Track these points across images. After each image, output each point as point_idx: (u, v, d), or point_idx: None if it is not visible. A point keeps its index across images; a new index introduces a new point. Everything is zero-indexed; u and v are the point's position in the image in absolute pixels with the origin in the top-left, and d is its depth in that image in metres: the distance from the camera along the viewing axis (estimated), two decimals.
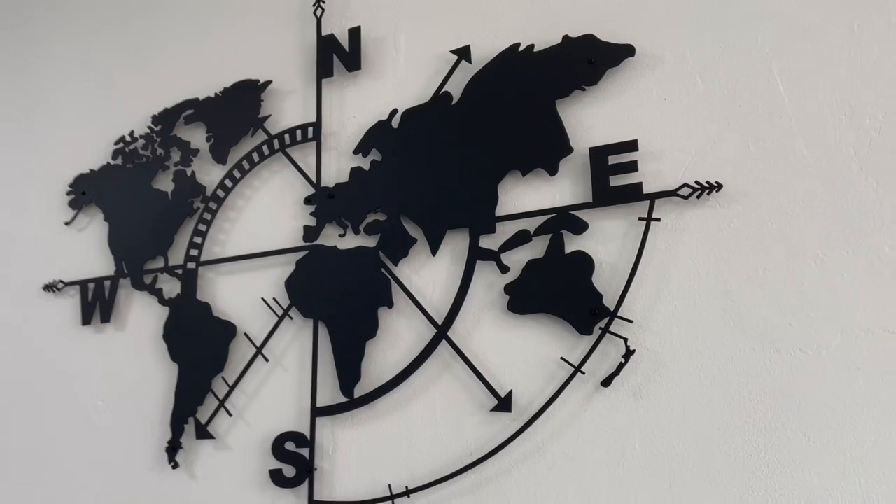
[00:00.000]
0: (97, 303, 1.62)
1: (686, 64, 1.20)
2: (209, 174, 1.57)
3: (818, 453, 1.03)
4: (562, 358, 1.18)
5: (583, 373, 1.16)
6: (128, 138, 1.67)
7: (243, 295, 1.47)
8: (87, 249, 1.67)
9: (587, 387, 1.16)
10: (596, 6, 1.28)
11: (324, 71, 1.48)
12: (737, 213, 1.12)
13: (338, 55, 1.47)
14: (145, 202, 1.61)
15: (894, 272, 1.03)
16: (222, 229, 1.53)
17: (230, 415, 1.43)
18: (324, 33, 1.49)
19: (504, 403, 1.20)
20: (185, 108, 1.62)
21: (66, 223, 1.71)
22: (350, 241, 1.38)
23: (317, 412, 1.34)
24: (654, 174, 1.18)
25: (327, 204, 1.41)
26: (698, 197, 1.14)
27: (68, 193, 1.72)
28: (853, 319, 1.04)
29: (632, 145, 1.19)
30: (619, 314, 1.15)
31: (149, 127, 1.65)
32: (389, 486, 1.25)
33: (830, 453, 1.02)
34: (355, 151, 1.41)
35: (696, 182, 1.14)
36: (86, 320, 1.62)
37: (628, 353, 1.13)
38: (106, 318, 1.60)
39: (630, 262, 1.16)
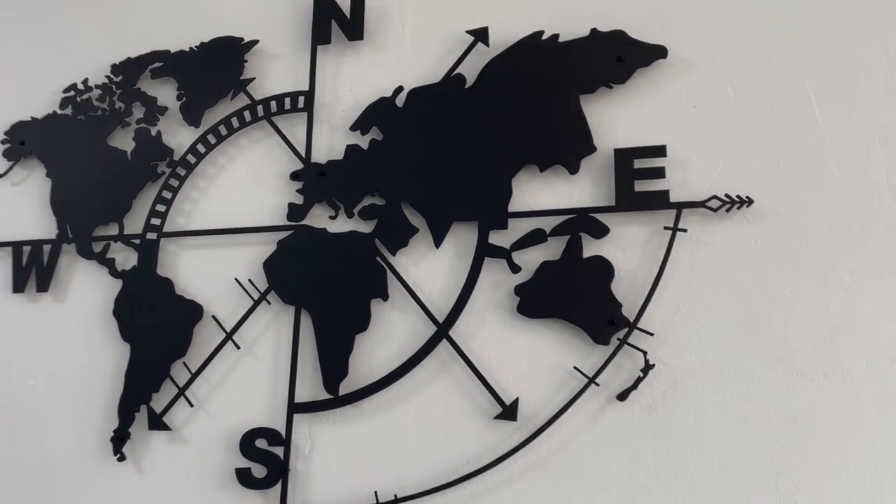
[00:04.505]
0: (32, 268, 1.43)
1: (718, 72, 1.17)
2: (176, 136, 1.41)
3: (837, 481, 1.01)
4: (575, 367, 1.12)
5: (597, 384, 1.11)
6: (81, 87, 1.49)
7: (212, 273, 1.33)
8: (24, 207, 1.48)
9: (599, 399, 1.11)
10: (625, 2, 1.22)
11: (320, 37, 1.36)
12: (764, 231, 1.10)
13: (337, 21, 1.35)
14: (99, 160, 1.43)
15: None
16: (189, 198, 1.38)
17: (191, 405, 1.29)
18: None
19: (509, 411, 1.13)
20: (153, 59, 1.45)
21: (0, 175, 1.51)
22: (342, 225, 1.28)
23: (294, 408, 1.23)
24: (680, 182, 1.14)
25: (317, 182, 1.30)
26: (727, 210, 1.11)
27: (3, 142, 1.51)
28: (879, 347, 1.03)
29: (660, 150, 1.15)
30: (638, 326, 1.11)
31: (107, 77, 1.47)
32: (376, 493, 1.16)
33: (850, 482, 1.01)
34: (353, 128, 1.30)
35: (727, 195, 1.11)
36: (17, 287, 1.43)
37: (647, 367, 1.09)
38: (43, 287, 1.42)
39: (651, 271, 1.12)
